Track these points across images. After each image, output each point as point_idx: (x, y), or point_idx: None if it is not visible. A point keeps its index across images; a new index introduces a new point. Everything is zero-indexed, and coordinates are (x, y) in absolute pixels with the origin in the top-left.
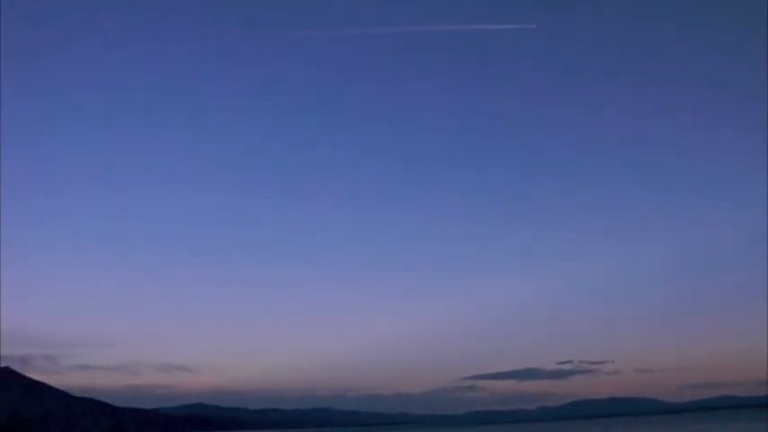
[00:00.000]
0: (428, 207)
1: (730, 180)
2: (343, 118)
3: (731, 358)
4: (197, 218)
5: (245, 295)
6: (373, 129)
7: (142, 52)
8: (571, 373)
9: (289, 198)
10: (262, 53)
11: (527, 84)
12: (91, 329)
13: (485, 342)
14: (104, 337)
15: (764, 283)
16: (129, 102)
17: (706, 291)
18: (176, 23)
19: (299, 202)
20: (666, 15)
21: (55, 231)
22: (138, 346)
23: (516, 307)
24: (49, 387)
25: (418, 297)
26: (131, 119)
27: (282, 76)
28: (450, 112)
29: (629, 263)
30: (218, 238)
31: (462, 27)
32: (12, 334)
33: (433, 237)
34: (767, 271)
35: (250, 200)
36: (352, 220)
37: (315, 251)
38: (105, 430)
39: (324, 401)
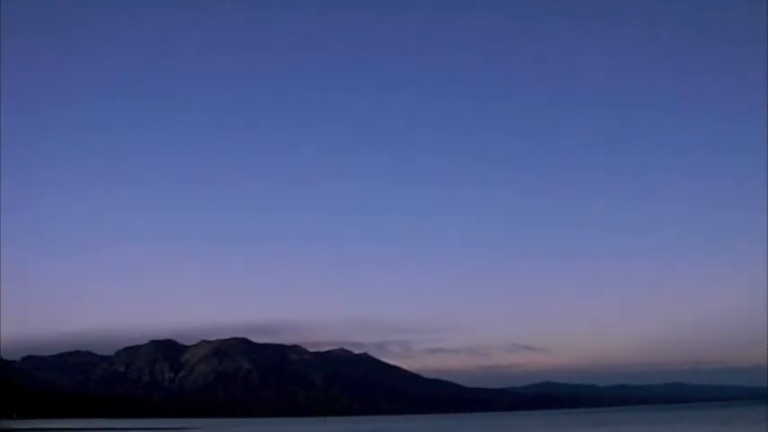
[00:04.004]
0: None
1: None
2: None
3: None
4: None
5: (590, 273)
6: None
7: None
8: None
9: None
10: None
11: None
12: (440, 315)
13: None
14: (453, 321)
15: None
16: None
17: None
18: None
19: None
20: None
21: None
22: (487, 329)
23: None
24: (404, 370)
25: None
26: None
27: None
28: None
29: None
30: (570, 214)
31: None
32: (369, 323)
33: None
34: None
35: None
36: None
37: (659, 224)
38: (454, 409)
39: (675, 376)
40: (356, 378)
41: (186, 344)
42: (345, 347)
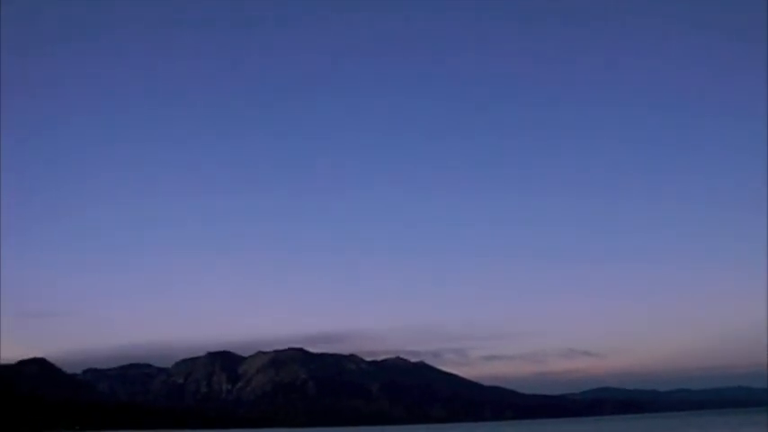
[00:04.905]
0: None
1: None
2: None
3: None
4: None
5: (646, 274)
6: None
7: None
8: None
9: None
10: None
11: None
12: (495, 322)
13: None
14: (509, 328)
15: None
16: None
17: None
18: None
19: None
20: None
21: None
22: (542, 335)
23: None
24: (461, 378)
25: None
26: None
27: None
28: None
29: None
30: (623, 216)
31: None
32: (424, 331)
33: None
34: None
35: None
36: None
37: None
38: (512, 417)
39: (739, 379)
40: (413, 386)
41: (243, 355)
42: (402, 356)
